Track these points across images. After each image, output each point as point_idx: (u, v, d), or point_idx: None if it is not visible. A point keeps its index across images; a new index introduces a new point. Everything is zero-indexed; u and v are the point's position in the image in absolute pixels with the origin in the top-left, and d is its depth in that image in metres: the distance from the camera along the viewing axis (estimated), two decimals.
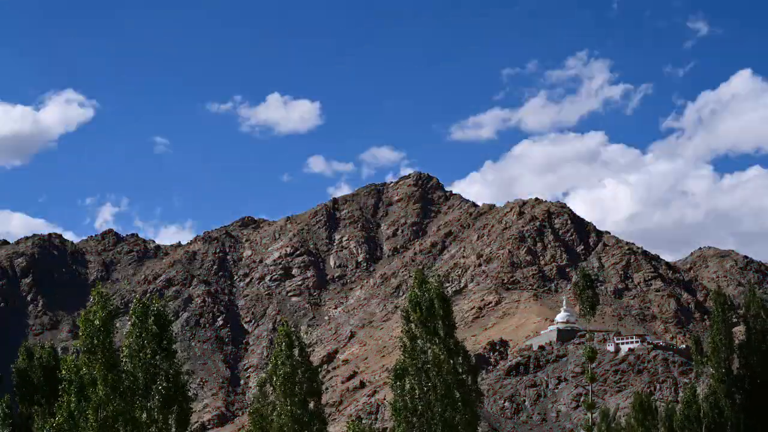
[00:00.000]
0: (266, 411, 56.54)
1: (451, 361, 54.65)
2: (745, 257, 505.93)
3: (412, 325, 55.56)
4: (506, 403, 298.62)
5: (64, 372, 51.91)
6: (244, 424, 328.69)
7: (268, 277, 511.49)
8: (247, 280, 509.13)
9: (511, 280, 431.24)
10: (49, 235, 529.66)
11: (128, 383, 52.34)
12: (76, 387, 51.33)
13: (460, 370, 54.84)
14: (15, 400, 74.69)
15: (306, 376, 57.24)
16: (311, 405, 56.93)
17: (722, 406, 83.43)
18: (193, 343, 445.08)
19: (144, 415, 52.59)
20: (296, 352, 57.98)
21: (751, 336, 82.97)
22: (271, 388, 57.26)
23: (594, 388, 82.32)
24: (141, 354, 53.18)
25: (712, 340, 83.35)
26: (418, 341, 55.22)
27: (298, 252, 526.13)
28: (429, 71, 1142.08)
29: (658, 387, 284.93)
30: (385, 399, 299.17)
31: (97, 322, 52.76)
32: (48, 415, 59.50)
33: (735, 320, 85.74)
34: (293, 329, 59.13)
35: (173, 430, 53.13)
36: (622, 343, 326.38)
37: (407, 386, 54.81)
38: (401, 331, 56.17)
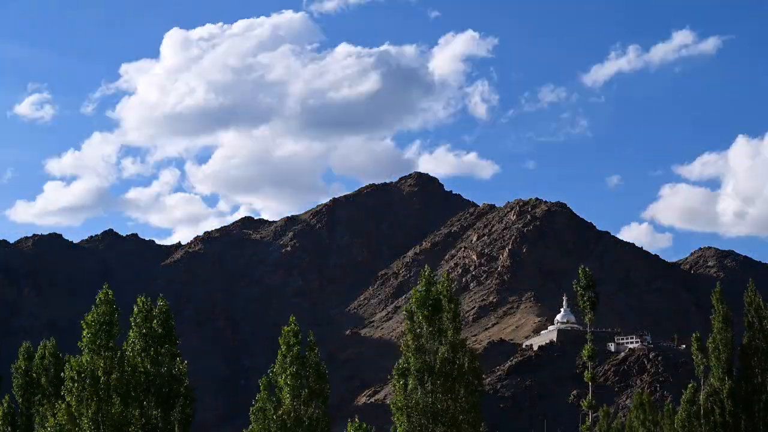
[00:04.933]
0: (269, 411, 56.48)
1: (457, 361, 54.64)
2: (746, 257, 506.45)
3: (416, 324, 55.54)
4: (507, 403, 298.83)
5: (67, 372, 51.96)
6: (244, 424, 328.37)
7: (267, 278, 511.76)
8: (248, 280, 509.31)
9: (512, 280, 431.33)
10: (49, 235, 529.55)
11: (132, 383, 52.38)
12: (78, 387, 51.35)
13: (466, 370, 54.84)
14: (16, 400, 74.82)
15: (313, 376, 57.24)
16: (315, 405, 56.90)
17: (724, 406, 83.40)
18: (192, 344, 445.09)
19: (146, 416, 52.61)
20: (306, 351, 58.03)
21: (752, 335, 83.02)
22: (277, 388, 57.25)
23: (594, 387, 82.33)
24: (144, 354, 53.20)
25: (713, 340, 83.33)
26: (422, 340, 55.16)
27: (298, 252, 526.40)
28: None
29: (658, 387, 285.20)
30: (385, 399, 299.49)
31: (100, 322, 52.78)
32: (49, 414, 59.51)
33: (735, 319, 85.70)
34: (299, 327, 59.03)
35: (175, 430, 53.15)
36: (623, 343, 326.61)
37: (410, 385, 54.78)
38: (405, 329, 56.07)
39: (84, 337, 52.62)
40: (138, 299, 55.41)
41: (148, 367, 53.39)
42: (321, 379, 57.86)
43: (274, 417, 56.31)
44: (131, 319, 54.68)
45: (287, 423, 55.87)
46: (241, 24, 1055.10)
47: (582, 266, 79.00)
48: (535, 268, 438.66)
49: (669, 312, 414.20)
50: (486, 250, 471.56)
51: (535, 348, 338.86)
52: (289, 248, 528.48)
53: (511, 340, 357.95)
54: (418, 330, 55.17)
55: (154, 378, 53.14)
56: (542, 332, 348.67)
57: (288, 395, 56.53)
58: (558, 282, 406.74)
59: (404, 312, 56.50)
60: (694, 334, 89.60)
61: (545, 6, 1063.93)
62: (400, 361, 55.73)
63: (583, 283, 75.72)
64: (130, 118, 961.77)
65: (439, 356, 54.43)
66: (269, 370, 58.47)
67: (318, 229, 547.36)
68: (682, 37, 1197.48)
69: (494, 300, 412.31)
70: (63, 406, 51.50)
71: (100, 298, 54.11)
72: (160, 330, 54.13)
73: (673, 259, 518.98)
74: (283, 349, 57.53)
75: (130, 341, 54.08)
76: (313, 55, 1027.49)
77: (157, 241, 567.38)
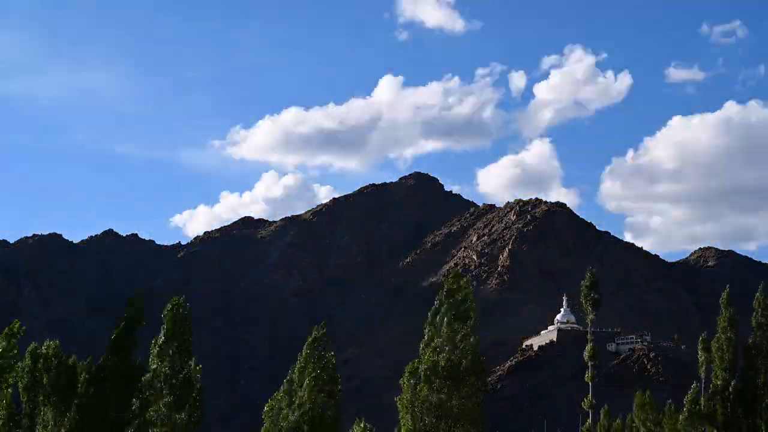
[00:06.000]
0: (285, 411, 56.67)
1: (464, 361, 55.02)
2: (746, 257, 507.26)
3: (436, 325, 56.01)
4: (507, 403, 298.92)
5: (83, 373, 52.18)
6: (244, 424, 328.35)
7: (267, 278, 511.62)
8: (246, 280, 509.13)
9: (512, 280, 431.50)
10: (49, 234, 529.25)
11: (145, 382, 52.60)
12: (90, 386, 51.53)
13: (471, 370, 55.27)
14: (20, 401, 74.94)
15: (327, 378, 57.63)
16: (328, 405, 57.25)
17: (726, 406, 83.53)
18: (192, 343, 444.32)
19: (157, 414, 52.77)
20: (324, 353, 58.41)
21: (756, 335, 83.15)
22: (293, 389, 57.50)
23: (595, 387, 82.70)
24: (162, 354, 53.34)
25: (717, 340, 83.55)
26: (441, 340, 55.62)
27: (297, 252, 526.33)
28: None
29: (659, 386, 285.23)
30: (388, 399, 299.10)
31: (124, 325, 53.14)
32: (57, 415, 59.60)
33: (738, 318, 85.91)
34: (324, 330, 59.52)
35: (185, 429, 53.28)
36: (623, 343, 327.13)
37: (420, 384, 55.12)
38: (425, 328, 56.54)
39: (113, 337, 53.11)
40: (172, 299, 55.56)
41: (166, 368, 53.53)
42: (333, 381, 58.30)
43: (288, 417, 56.58)
44: (163, 316, 54.79)
45: (301, 422, 56.15)
46: None
47: (589, 267, 79.56)
48: (535, 268, 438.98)
49: (669, 312, 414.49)
50: (486, 250, 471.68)
51: (535, 348, 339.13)
52: (289, 248, 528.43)
53: (511, 340, 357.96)
54: (438, 332, 55.68)
55: (166, 377, 53.28)
56: (542, 332, 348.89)
57: (307, 396, 56.82)
58: (558, 282, 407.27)
59: (430, 312, 56.95)
60: (701, 336, 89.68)
61: None
62: (415, 360, 56.16)
63: (589, 282, 76.23)
64: None
65: (454, 357, 54.84)
66: (290, 371, 58.72)
67: (318, 229, 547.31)
68: None
69: (494, 300, 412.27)
70: (75, 405, 51.59)
71: (130, 302, 54.54)
72: (178, 331, 54.40)
73: (673, 259, 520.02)
74: (306, 352, 57.81)
75: (157, 342, 54.28)
76: None
77: (157, 242, 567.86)
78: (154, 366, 53.53)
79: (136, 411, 52.31)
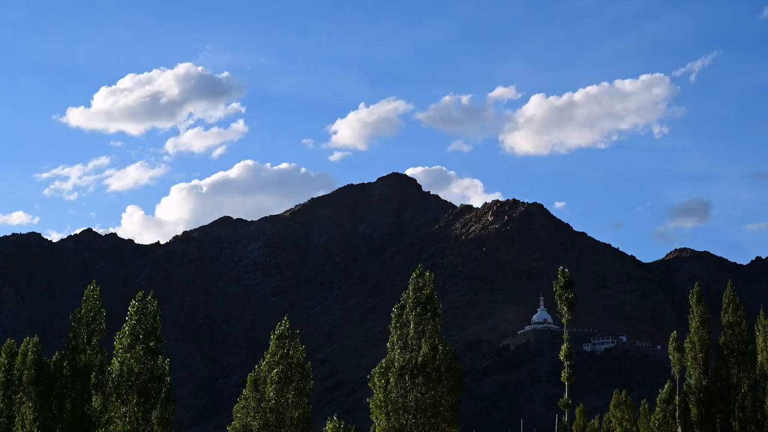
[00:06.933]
0: (252, 408, 56.89)
1: (437, 361, 55.41)
2: (720, 257, 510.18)
3: (402, 323, 56.28)
4: (482, 403, 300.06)
5: (67, 369, 52.31)
6: (222, 422, 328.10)
7: (245, 277, 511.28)
8: (225, 279, 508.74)
9: (489, 280, 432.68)
10: (29, 233, 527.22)
11: (113, 381, 52.74)
12: (61, 384, 51.69)
13: (446, 369, 55.68)
14: None
15: (297, 375, 57.77)
16: (298, 403, 57.44)
17: (700, 405, 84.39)
18: (170, 342, 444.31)
19: (126, 413, 52.92)
20: (291, 351, 58.57)
21: (729, 335, 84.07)
22: (261, 386, 57.69)
23: (570, 387, 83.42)
24: (130, 353, 53.45)
25: (689, 340, 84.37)
26: (408, 339, 55.93)
27: (275, 252, 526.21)
28: None
29: (634, 386, 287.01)
30: (366, 398, 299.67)
31: (85, 319, 53.28)
32: (33, 412, 59.76)
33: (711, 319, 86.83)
34: (289, 328, 59.75)
35: (155, 428, 53.38)
36: (599, 343, 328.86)
37: (391, 384, 55.37)
38: (392, 327, 56.85)
39: (68, 336, 53.25)
40: (138, 297, 55.78)
41: (133, 365, 53.64)
42: (304, 378, 58.42)
43: (258, 414, 56.81)
44: (128, 316, 54.94)
45: (270, 420, 56.40)
46: None
47: (561, 267, 79.97)
48: (512, 268, 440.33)
49: (645, 312, 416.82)
50: (463, 250, 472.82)
51: (512, 348, 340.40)
52: (267, 248, 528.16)
53: (488, 339, 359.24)
54: (405, 329, 55.88)
55: (137, 376, 53.38)
56: (519, 332, 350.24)
57: (273, 393, 57.00)
58: (535, 282, 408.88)
59: (394, 310, 57.23)
60: (672, 335, 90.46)
61: None
62: (383, 360, 56.35)
63: (562, 283, 76.62)
64: None
65: (421, 355, 55.13)
66: (256, 367, 58.97)
67: (296, 228, 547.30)
68: None
69: (471, 300, 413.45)
70: (49, 403, 51.81)
71: (86, 295, 54.72)
72: (148, 329, 54.47)
73: (649, 260, 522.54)
74: (272, 348, 58.03)
75: (121, 338, 54.30)
76: None
77: (136, 241, 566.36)
78: (118, 363, 53.53)
79: (100, 408, 52.60)
